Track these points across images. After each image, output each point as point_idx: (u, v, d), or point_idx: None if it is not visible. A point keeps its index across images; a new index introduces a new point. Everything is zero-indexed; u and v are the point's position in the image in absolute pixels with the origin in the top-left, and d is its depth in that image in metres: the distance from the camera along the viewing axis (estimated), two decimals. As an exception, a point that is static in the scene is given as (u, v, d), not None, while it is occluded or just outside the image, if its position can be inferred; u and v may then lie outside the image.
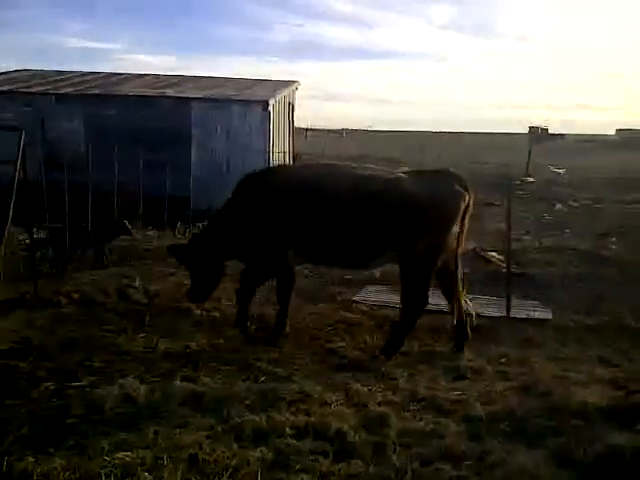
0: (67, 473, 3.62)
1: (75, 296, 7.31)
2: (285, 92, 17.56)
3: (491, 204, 18.36)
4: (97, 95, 16.06)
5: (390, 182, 5.88)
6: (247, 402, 4.66)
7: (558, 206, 18.17)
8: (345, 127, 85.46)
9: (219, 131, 15.55)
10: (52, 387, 4.91)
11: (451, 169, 6.44)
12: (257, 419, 4.26)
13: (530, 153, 28.00)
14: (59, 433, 4.16)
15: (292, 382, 5.07)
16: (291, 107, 19.28)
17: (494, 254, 10.30)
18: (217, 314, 7.05)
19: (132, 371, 5.27)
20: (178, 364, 5.49)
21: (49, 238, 9.43)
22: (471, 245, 11.72)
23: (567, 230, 13.92)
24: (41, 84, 17.24)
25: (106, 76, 20.04)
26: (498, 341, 6.51)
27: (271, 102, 15.42)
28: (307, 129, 55.60)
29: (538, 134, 63.62)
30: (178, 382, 5.00)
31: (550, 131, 73.26)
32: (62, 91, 16.18)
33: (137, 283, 7.92)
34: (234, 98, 15.77)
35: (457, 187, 5.87)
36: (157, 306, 7.20)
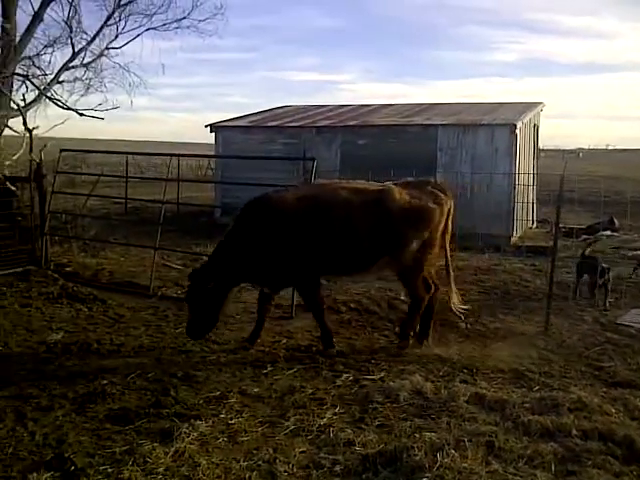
0: (381, 445, 4.35)
1: (352, 305, 8.29)
2: (531, 114, 17.49)
3: None
4: (352, 126, 17.53)
5: (382, 191, 6.44)
6: (526, 405, 5.06)
7: None
8: (580, 146, 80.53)
9: (464, 155, 16.04)
10: (350, 378, 5.78)
11: (432, 179, 6.71)
12: (542, 419, 4.65)
13: None
14: (365, 414, 4.96)
15: (568, 392, 5.33)
16: (536, 129, 19.10)
17: None
18: (481, 327, 7.52)
19: (413, 371, 5.95)
20: (455, 369, 6.06)
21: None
22: None
23: None
24: (303, 118, 19.29)
25: (356, 108, 21.70)
26: None
27: (518, 125, 15.52)
28: (540, 149, 53.45)
29: None
30: (458, 383, 5.57)
31: None
32: (322, 123, 17.95)
33: (403, 296, 8.67)
34: (481, 122, 16.14)
35: (440, 194, 6.55)
36: (424, 317, 7.86)
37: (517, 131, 15.50)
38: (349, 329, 7.43)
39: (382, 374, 5.88)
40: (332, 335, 6.67)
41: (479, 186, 15.41)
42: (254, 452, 4.28)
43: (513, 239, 15.19)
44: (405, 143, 16.62)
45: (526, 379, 5.82)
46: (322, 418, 4.81)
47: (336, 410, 4.99)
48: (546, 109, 19.72)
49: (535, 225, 18.26)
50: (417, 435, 4.43)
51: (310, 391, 5.41)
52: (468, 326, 7.56)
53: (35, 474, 3.89)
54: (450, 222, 6.78)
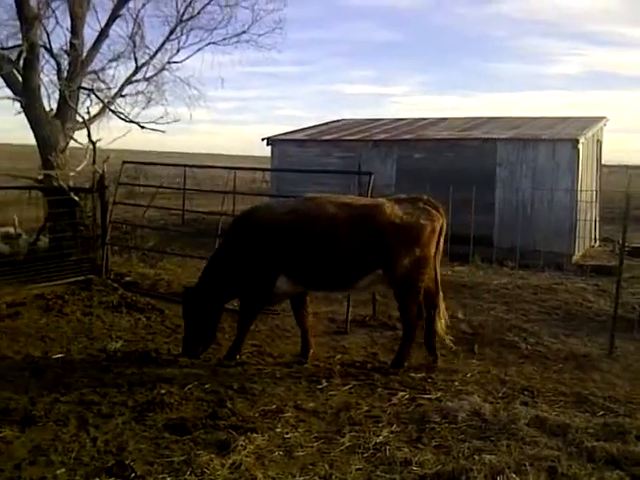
0: (439, 466, 4.26)
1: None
2: (594, 129, 17.03)
3: None
4: (408, 140, 17.44)
5: (373, 207, 6.47)
6: (590, 431, 4.88)
7: None
8: (647, 162, 77.53)
9: (524, 170, 15.71)
10: (407, 396, 5.69)
11: (425, 196, 6.74)
12: (608, 446, 4.47)
13: None
14: (422, 433, 4.87)
15: (634, 419, 5.14)
16: (599, 144, 18.59)
17: None
18: (542, 348, 7.32)
19: (471, 391, 5.83)
20: (515, 390, 5.90)
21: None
22: None
23: None
24: (359, 132, 19.32)
25: (412, 121, 21.59)
26: None
27: (581, 140, 15.13)
28: (603, 165, 51.80)
29: None
30: (518, 405, 5.42)
31: None
32: (378, 137, 17.94)
33: (460, 314, 8.54)
34: (542, 137, 15.81)
35: (432, 210, 6.51)
36: (482, 337, 7.71)
37: (579, 146, 15.12)
38: (404, 346, 7.33)
39: (439, 394, 5.78)
40: (240, 351, 6.70)
41: (540, 202, 15.08)
42: (310, 467, 4.26)
43: (575, 257, 14.79)
44: (463, 157, 16.42)
45: (589, 403, 5.62)
46: (378, 436, 4.76)
47: (392, 428, 4.93)
48: (610, 123, 19.17)
49: (597, 243, 17.73)
50: (476, 457, 4.33)
51: (366, 408, 5.36)
52: (528, 347, 7.36)
53: (97, 479, 3.97)
54: (442, 240, 6.68)
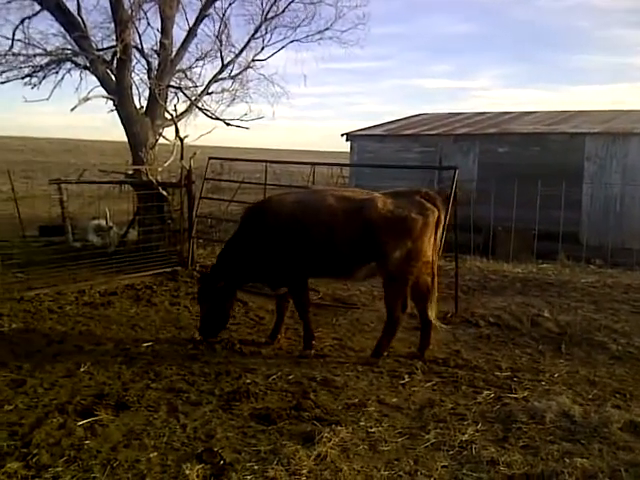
0: (527, 467, 4.16)
1: (491, 319, 8.03)
2: (692, 122, 16.14)
3: None
4: (491, 134, 17.06)
5: (366, 200, 6.53)
6: (690, 438, 4.64)
7: None
8: None
9: (614, 165, 15.08)
10: (492, 395, 5.58)
11: (423, 189, 6.76)
12: None
13: None
14: (508, 433, 4.77)
15: None
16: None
17: None
18: (633, 350, 7.01)
19: (560, 392, 5.65)
20: (606, 392, 5.69)
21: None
22: None
23: None
24: (439, 126, 19.06)
25: (495, 115, 21.11)
26: None
27: (676, 133, 14.38)
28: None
29: None
30: (610, 408, 5.21)
31: None
32: (460, 131, 17.64)
33: (546, 313, 8.30)
34: (633, 131, 15.11)
35: (427, 204, 6.47)
36: (570, 336, 7.46)
37: (675, 140, 14.38)
38: (488, 344, 7.20)
39: (526, 393, 5.63)
40: (314, 337, 6.88)
41: (630, 199, 14.46)
42: (395, 462, 4.25)
43: (668, 256, 14.07)
44: (549, 152, 15.95)
45: (689, 408, 5.33)
46: (463, 434, 4.69)
47: (478, 427, 4.84)
48: None
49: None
50: (566, 460, 4.20)
51: (450, 406, 5.29)
52: (619, 348, 7.06)
53: (188, 464, 4.11)
54: (439, 233, 6.68)
